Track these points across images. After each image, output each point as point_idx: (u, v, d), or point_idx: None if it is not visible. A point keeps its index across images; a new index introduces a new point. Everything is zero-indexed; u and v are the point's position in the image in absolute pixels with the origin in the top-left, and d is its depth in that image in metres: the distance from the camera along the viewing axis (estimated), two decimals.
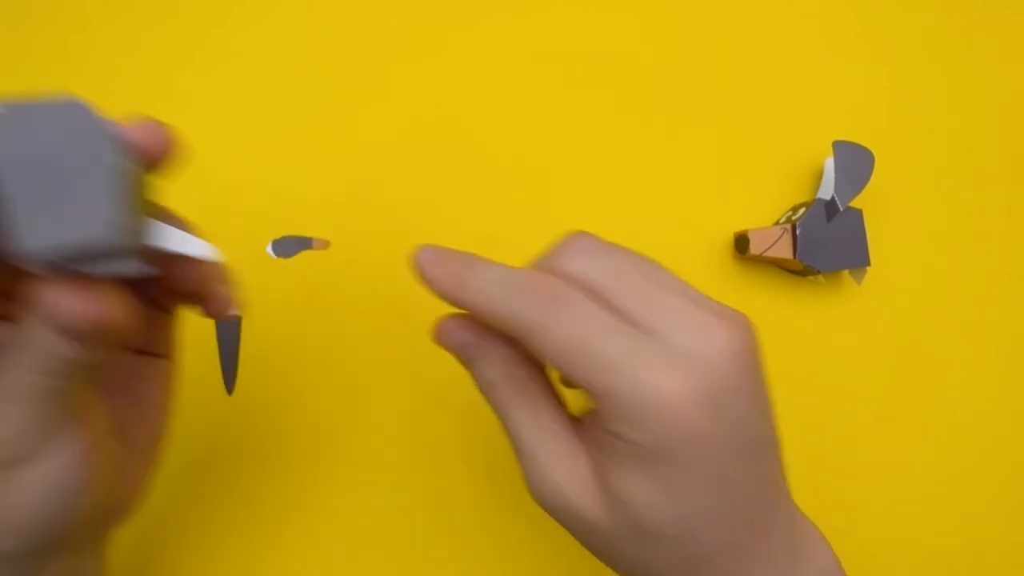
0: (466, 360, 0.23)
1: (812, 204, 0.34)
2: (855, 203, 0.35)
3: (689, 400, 0.18)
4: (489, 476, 0.33)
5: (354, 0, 0.37)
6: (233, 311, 0.23)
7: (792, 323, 0.36)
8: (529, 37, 0.38)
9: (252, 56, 0.37)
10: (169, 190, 0.36)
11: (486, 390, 0.23)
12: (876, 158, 0.34)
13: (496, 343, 0.23)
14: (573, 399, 0.23)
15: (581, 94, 0.37)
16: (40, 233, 0.16)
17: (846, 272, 0.36)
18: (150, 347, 0.25)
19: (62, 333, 0.18)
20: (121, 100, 0.35)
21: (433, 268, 0.22)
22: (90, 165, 0.17)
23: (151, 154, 0.19)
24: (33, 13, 0.36)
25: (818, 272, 0.34)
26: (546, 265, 0.21)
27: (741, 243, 0.35)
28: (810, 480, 0.34)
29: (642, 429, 0.19)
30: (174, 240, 0.20)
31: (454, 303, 0.22)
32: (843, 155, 0.34)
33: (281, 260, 0.34)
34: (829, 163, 0.35)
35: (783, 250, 0.34)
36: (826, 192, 0.34)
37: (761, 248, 0.34)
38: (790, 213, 0.36)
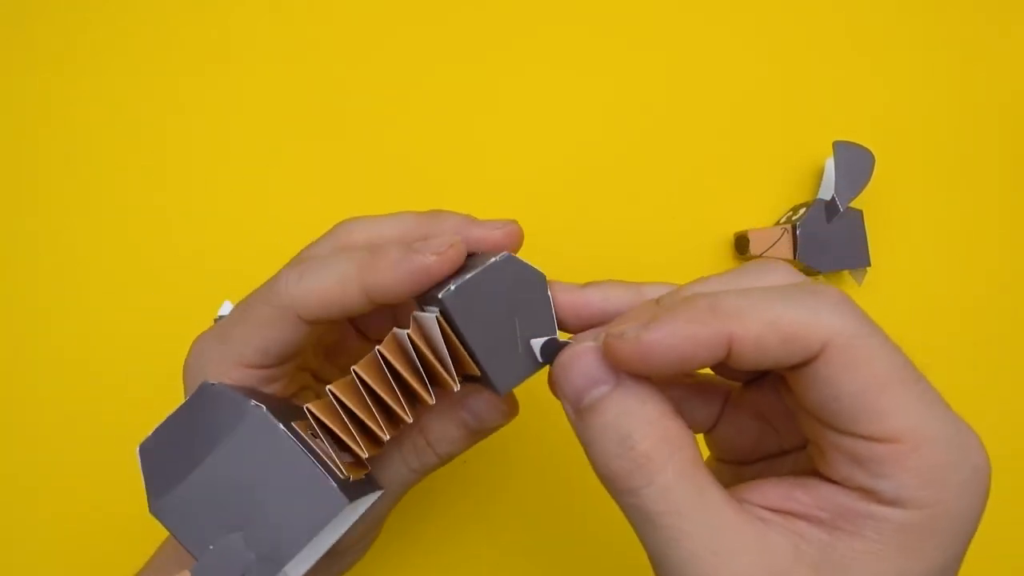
0: (588, 407, 0.17)
1: (812, 204, 0.34)
2: (855, 203, 0.35)
3: (985, 469, 0.15)
4: (491, 474, 0.33)
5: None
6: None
7: None
8: (527, 37, 0.38)
9: (256, 56, 0.37)
10: (179, 194, 0.35)
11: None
12: (876, 158, 0.34)
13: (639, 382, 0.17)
14: None
15: (580, 94, 0.37)
16: (509, 373, 0.19)
17: (846, 272, 0.36)
18: None
19: (468, 432, 0.22)
20: (122, 100, 0.35)
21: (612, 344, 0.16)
22: (530, 302, 0.19)
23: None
24: (33, 13, 0.36)
25: (818, 272, 0.34)
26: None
27: (741, 243, 0.35)
28: None
29: (936, 487, 0.15)
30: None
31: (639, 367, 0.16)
32: (843, 155, 0.34)
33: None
34: (829, 163, 0.35)
35: (783, 250, 0.34)
36: (826, 192, 0.34)
37: (761, 248, 0.34)
38: (790, 213, 0.36)
